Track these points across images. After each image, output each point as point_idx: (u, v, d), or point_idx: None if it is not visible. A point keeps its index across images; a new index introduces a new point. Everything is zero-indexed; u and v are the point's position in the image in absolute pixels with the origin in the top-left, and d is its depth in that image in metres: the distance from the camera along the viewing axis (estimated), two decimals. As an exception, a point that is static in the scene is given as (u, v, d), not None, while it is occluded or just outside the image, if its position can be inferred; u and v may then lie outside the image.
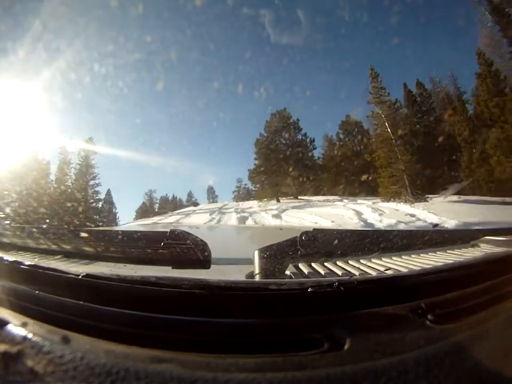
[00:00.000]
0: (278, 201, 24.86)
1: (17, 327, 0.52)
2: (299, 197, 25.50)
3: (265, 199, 25.37)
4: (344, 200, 19.27)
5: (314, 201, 21.64)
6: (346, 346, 0.46)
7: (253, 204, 25.07)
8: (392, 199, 16.89)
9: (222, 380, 0.39)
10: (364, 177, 21.98)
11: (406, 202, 15.77)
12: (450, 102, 21.31)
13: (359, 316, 0.55)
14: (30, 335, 0.49)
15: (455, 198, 14.83)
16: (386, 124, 18.34)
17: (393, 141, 17.89)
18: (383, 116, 18.70)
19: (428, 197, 15.81)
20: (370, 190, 22.40)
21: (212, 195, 40.45)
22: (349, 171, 24.73)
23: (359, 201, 17.79)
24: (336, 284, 0.56)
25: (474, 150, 17.98)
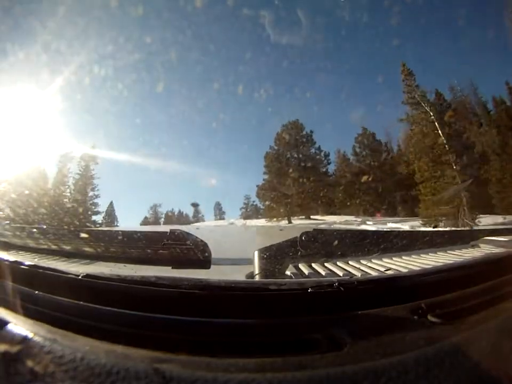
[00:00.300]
0: (290, 221, 21.76)
1: (17, 327, 0.52)
2: (311, 217, 22.72)
3: (275, 219, 22.48)
4: (368, 222, 16.13)
5: (332, 222, 18.51)
6: (346, 347, 0.46)
7: (261, 223, 22.48)
8: (437, 222, 13.10)
9: (222, 380, 0.39)
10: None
11: (462, 226, 11.89)
12: (474, 113, 18.52)
13: (359, 316, 0.55)
14: (30, 335, 0.49)
15: (500, 219, 12.24)
16: (437, 125, 14.53)
17: (445, 147, 13.87)
18: (431, 115, 14.68)
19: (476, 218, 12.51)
20: (391, 209, 20.23)
21: (219, 211, 39.90)
22: (369, 188, 22.14)
23: (389, 224, 14.42)
24: (336, 284, 0.56)
25: (505, 163, 15.51)
